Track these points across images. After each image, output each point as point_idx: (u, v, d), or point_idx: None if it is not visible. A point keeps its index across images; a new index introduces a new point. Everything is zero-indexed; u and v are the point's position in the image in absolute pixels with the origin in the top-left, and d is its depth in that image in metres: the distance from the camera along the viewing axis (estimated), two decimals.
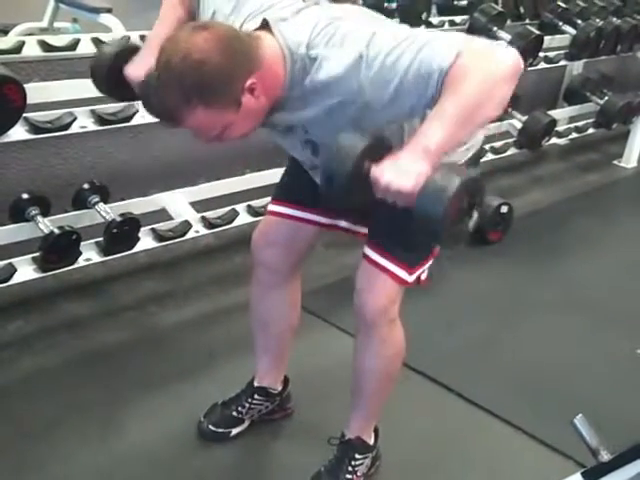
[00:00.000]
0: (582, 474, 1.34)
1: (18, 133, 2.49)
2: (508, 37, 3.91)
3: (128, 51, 1.96)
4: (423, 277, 1.96)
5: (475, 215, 1.45)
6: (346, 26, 1.58)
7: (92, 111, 2.66)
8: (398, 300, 1.93)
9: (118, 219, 2.72)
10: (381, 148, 1.51)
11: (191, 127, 1.58)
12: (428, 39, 1.51)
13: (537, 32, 4.04)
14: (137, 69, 1.86)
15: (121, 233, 2.75)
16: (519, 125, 4.25)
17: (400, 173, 1.43)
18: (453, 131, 1.45)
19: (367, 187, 1.48)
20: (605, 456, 1.32)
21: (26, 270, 2.61)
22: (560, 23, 4.45)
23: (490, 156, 4.18)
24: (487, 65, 1.46)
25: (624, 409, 2.54)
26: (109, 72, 1.98)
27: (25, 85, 2.38)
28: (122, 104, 2.72)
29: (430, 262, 1.95)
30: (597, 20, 4.56)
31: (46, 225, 2.60)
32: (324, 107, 1.60)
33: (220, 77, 1.51)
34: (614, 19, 4.69)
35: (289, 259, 2.11)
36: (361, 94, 1.54)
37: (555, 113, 4.58)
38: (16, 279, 2.59)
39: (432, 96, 1.48)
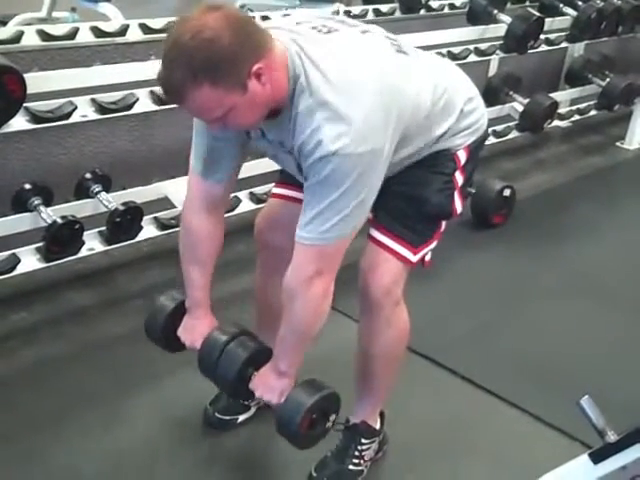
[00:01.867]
0: (589, 455, 1.34)
1: (19, 123, 2.48)
2: (508, 19, 3.90)
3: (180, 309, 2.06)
4: (427, 258, 1.96)
5: (332, 419, 1.93)
6: (334, 96, 1.59)
7: (92, 100, 2.66)
8: (402, 282, 1.94)
9: (121, 208, 2.72)
10: (262, 354, 1.93)
11: (195, 105, 1.57)
12: (334, 221, 1.66)
13: (538, 14, 4.03)
14: (192, 337, 2.03)
15: (124, 222, 2.76)
16: (521, 108, 4.24)
17: (268, 389, 1.89)
18: (297, 351, 1.88)
19: (248, 389, 1.93)
20: (612, 437, 1.32)
21: (30, 260, 2.62)
22: (561, 5, 4.43)
23: (492, 139, 4.17)
24: (310, 306, 1.79)
25: (630, 390, 2.54)
26: (164, 333, 2.09)
27: (25, 75, 2.37)
28: (123, 92, 2.72)
29: (434, 243, 1.95)
30: (598, 1, 4.52)
31: (49, 215, 2.60)
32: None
33: (228, 56, 1.51)
34: (615, 0, 4.67)
35: (292, 242, 2.10)
36: (300, 150, 1.66)
37: (557, 95, 4.56)
38: (20, 270, 2.59)
39: None
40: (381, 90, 1.62)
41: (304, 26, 1.72)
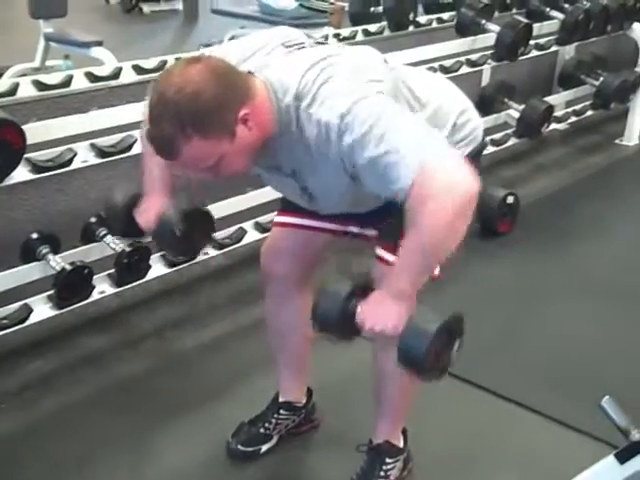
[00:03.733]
0: (615, 455, 1.34)
1: (21, 174, 2.50)
2: (497, 28, 3.92)
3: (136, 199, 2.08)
4: (436, 272, 1.95)
5: (457, 344, 1.70)
6: (333, 82, 1.59)
7: (92, 145, 2.68)
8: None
9: (128, 249, 2.73)
10: (364, 287, 1.69)
11: (188, 158, 1.58)
12: (396, 143, 1.53)
13: (525, 21, 4.05)
14: (146, 215, 2.00)
15: (132, 263, 2.76)
16: (517, 115, 4.25)
17: (382, 316, 1.61)
18: (422, 270, 1.63)
19: (355, 326, 1.66)
20: (636, 435, 1.31)
21: (42, 309, 2.63)
22: (547, 9, 4.46)
23: (491, 148, 4.17)
24: (448, 200, 1.51)
25: None
26: (124, 222, 2.13)
27: (23, 126, 2.39)
28: (121, 135, 2.74)
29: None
30: (584, 2, 4.55)
31: (57, 262, 2.61)
32: (310, 159, 1.65)
33: (215, 107, 1.53)
34: None
35: (300, 269, 2.11)
36: (340, 155, 1.59)
37: (552, 99, 4.58)
38: (33, 319, 2.60)
39: (395, 196, 1.57)
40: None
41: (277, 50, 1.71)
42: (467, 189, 1.53)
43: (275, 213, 2.17)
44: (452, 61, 3.89)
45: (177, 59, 1.65)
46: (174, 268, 2.97)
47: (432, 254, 1.60)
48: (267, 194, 3.21)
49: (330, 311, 1.67)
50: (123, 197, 2.16)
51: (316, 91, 1.59)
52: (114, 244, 2.76)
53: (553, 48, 4.54)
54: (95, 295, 2.73)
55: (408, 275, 1.62)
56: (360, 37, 3.77)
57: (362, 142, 1.55)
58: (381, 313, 1.62)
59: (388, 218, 1.82)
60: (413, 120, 1.64)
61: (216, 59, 1.62)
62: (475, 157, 1.93)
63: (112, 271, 2.77)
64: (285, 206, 2.10)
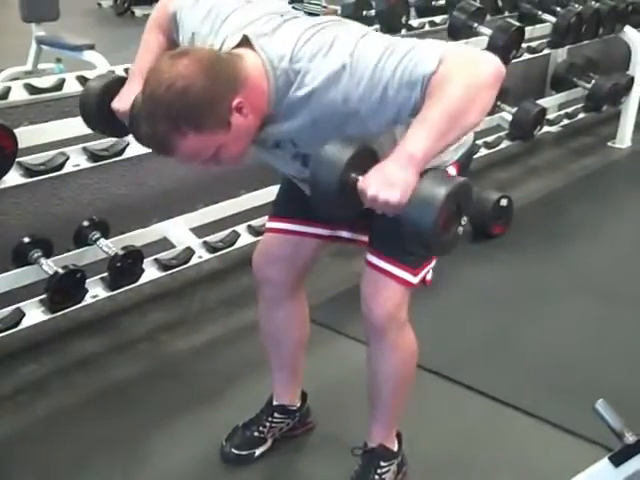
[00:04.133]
0: (609, 458, 1.33)
1: (13, 178, 2.49)
2: (489, 32, 3.92)
3: (114, 84, 1.95)
4: (428, 277, 1.96)
5: (465, 219, 1.53)
6: (329, 36, 1.58)
7: (84, 149, 2.67)
8: (405, 303, 1.93)
9: (120, 253, 2.72)
10: (367, 157, 1.50)
11: (184, 154, 1.58)
12: (411, 46, 1.53)
13: (518, 24, 4.05)
14: (124, 102, 1.87)
15: (125, 266, 2.76)
16: (510, 117, 4.26)
17: (387, 184, 1.44)
18: (438, 137, 1.46)
19: (355, 198, 1.48)
20: (630, 438, 1.31)
21: (35, 313, 2.61)
22: (539, 12, 4.47)
23: (484, 151, 4.19)
24: (470, 71, 1.48)
25: None
26: (98, 108, 1.96)
27: (15, 130, 2.39)
28: (113, 139, 2.73)
29: (434, 262, 1.95)
30: (576, 5, 4.57)
31: (50, 266, 2.60)
32: (309, 118, 1.61)
33: (206, 100, 1.52)
34: (593, 2, 4.70)
35: (292, 274, 2.10)
36: (346, 103, 1.55)
37: (544, 102, 4.59)
38: (25, 323, 2.59)
39: (415, 103, 1.50)
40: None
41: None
42: (491, 62, 1.50)
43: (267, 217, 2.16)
44: None
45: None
46: (167, 272, 2.96)
47: (452, 119, 1.46)
48: (260, 197, 3.22)
49: (328, 177, 1.48)
50: (99, 82, 1.99)
51: (313, 47, 1.57)
52: (107, 248, 2.75)
53: (545, 51, 4.56)
54: (88, 299, 2.72)
55: (424, 139, 1.44)
56: None
57: (378, 64, 1.51)
58: (386, 180, 1.44)
59: (381, 223, 1.81)
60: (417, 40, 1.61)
61: (203, 50, 1.61)
62: (465, 162, 1.93)
63: (105, 275, 2.76)
64: (277, 211, 2.10)
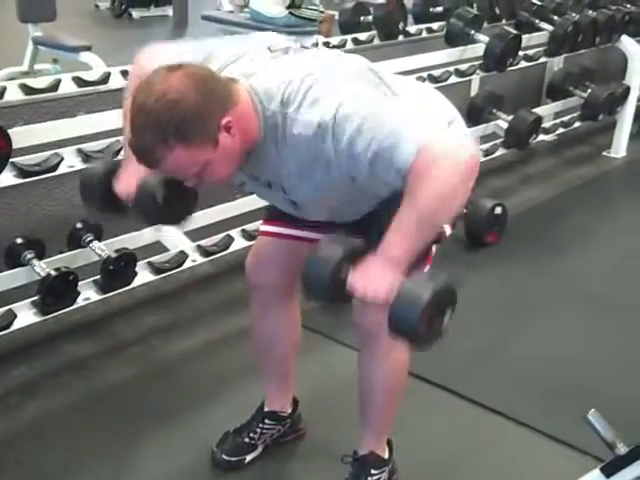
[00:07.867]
0: (601, 469, 1.33)
1: (6, 179, 2.48)
2: (486, 39, 3.93)
3: (114, 168, 1.99)
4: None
5: (449, 315, 1.64)
6: (318, 87, 1.59)
7: (79, 150, 2.66)
8: None
9: (114, 255, 2.71)
10: (356, 253, 1.62)
11: (170, 167, 1.58)
12: (395, 126, 1.53)
13: (515, 32, 4.07)
14: (126, 183, 1.90)
15: (118, 269, 2.74)
16: (505, 125, 4.26)
17: (373, 283, 1.56)
18: (417, 238, 1.57)
19: (345, 294, 1.61)
20: (622, 449, 1.31)
21: (26, 315, 2.60)
22: (537, 21, 4.48)
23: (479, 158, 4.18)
24: (448, 165, 1.50)
25: (637, 400, 2.53)
26: (101, 193, 2.01)
27: (9, 130, 2.38)
28: (108, 140, 2.73)
29: (426, 269, 1.94)
30: (573, 14, 4.58)
31: (42, 268, 2.59)
32: (296, 167, 1.64)
33: (196, 115, 1.52)
34: (590, 12, 4.72)
35: (285, 278, 2.10)
36: (329, 163, 1.59)
37: (540, 110, 4.59)
38: (17, 325, 2.57)
39: (395, 179, 1.55)
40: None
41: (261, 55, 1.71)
42: (466, 156, 1.52)
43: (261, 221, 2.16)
44: (441, 71, 3.90)
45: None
46: (160, 275, 2.95)
47: (427, 221, 1.56)
48: (254, 202, 3.19)
49: (321, 277, 1.61)
50: (100, 166, 2.05)
51: (303, 95, 1.58)
52: (100, 250, 2.74)
53: (542, 59, 4.57)
54: (80, 301, 2.71)
55: (402, 242, 1.56)
56: (350, 46, 3.78)
57: (359, 134, 1.53)
58: (373, 279, 1.57)
59: (374, 227, 1.81)
60: (405, 103, 1.65)
61: (196, 66, 1.61)
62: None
63: (98, 277, 2.75)
64: (270, 215, 2.09)
